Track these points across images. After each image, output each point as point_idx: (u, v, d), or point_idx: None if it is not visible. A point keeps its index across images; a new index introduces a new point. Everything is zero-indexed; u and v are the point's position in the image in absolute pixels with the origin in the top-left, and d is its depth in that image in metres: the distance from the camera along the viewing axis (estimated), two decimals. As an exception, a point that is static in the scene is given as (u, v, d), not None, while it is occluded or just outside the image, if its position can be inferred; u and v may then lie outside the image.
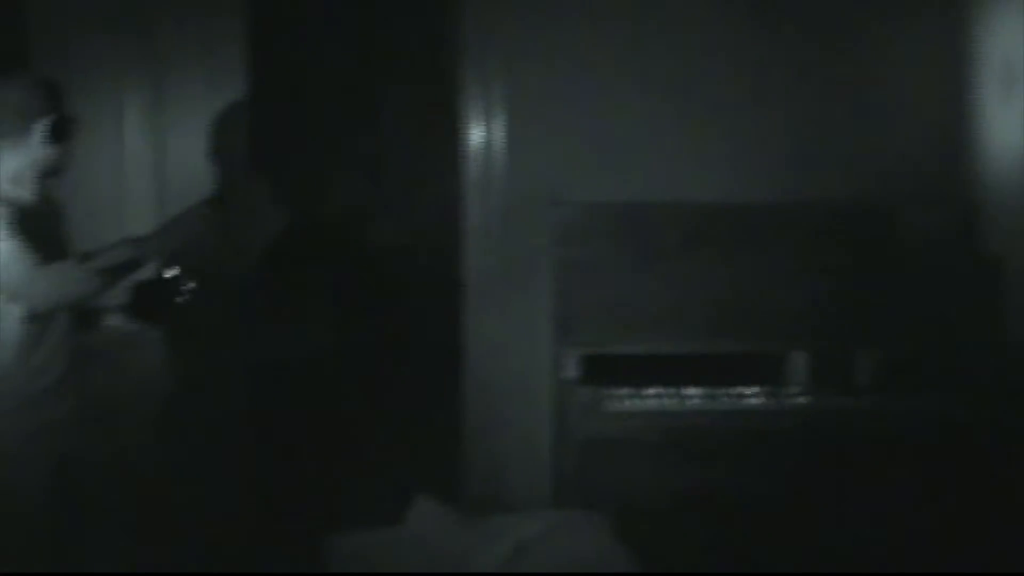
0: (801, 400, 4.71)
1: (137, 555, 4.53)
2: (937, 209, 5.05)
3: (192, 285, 3.68)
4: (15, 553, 3.64)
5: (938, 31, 5.08)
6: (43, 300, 3.46)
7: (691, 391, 4.68)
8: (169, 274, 3.77)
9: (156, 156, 5.01)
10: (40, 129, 3.55)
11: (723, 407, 4.63)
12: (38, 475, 3.63)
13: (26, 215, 3.54)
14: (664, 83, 5.01)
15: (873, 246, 4.92)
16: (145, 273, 3.88)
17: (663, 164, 5.00)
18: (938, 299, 4.85)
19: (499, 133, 5.03)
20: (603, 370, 4.71)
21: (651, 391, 4.66)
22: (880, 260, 4.89)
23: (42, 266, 3.43)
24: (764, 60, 5.04)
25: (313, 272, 7.75)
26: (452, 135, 5.28)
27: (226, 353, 5.14)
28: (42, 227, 3.63)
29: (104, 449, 3.96)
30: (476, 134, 5.07)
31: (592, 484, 4.57)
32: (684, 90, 5.01)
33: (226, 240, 3.48)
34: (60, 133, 3.59)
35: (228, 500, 5.18)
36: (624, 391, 4.64)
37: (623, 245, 4.81)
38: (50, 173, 3.67)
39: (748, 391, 4.71)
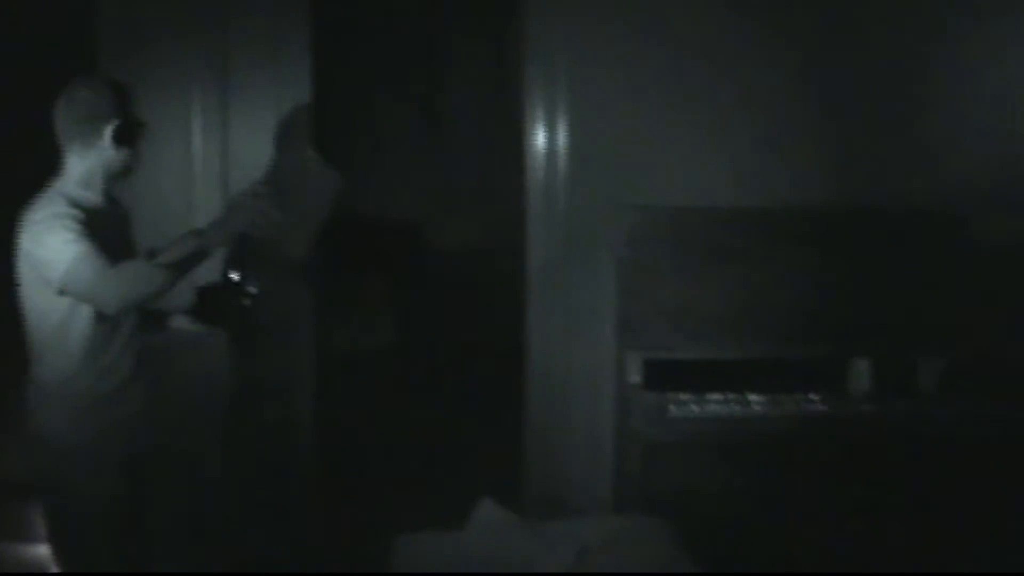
0: (865, 407, 4.67)
1: (202, 551, 4.56)
2: (1004, 215, 4.99)
3: (256, 289, 3.69)
4: (83, 548, 3.68)
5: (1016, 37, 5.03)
6: (114, 301, 3.46)
7: (754, 397, 4.66)
8: (234, 277, 3.78)
9: (223, 158, 5.04)
10: (109, 132, 3.56)
11: (786, 413, 4.61)
12: (107, 471, 3.66)
13: (95, 217, 3.56)
14: (728, 87, 4.99)
15: (938, 252, 4.87)
16: (210, 276, 3.91)
17: (727, 168, 4.98)
18: (1002, 305, 4.80)
19: (563, 136, 5.02)
20: (666, 375, 4.70)
21: (714, 396, 4.65)
22: (945, 266, 4.84)
23: (111, 267, 3.44)
24: (829, 66, 5.01)
25: (376, 272, 7.80)
26: (516, 138, 5.28)
27: (289, 349, 5.17)
28: (110, 229, 3.65)
29: (170, 447, 3.97)
30: (540, 137, 5.06)
31: (654, 488, 4.57)
32: (749, 94, 4.99)
33: (285, 225, 3.46)
34: (129, 135, 3.60)
35: (291, 498, 5.21)
36: (687, 396, 4.63)
37: (687, 249, 4.79)
38: (118, 175, 3.67)
39: (812, 397, 4.68)
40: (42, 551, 5.00)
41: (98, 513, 3.66)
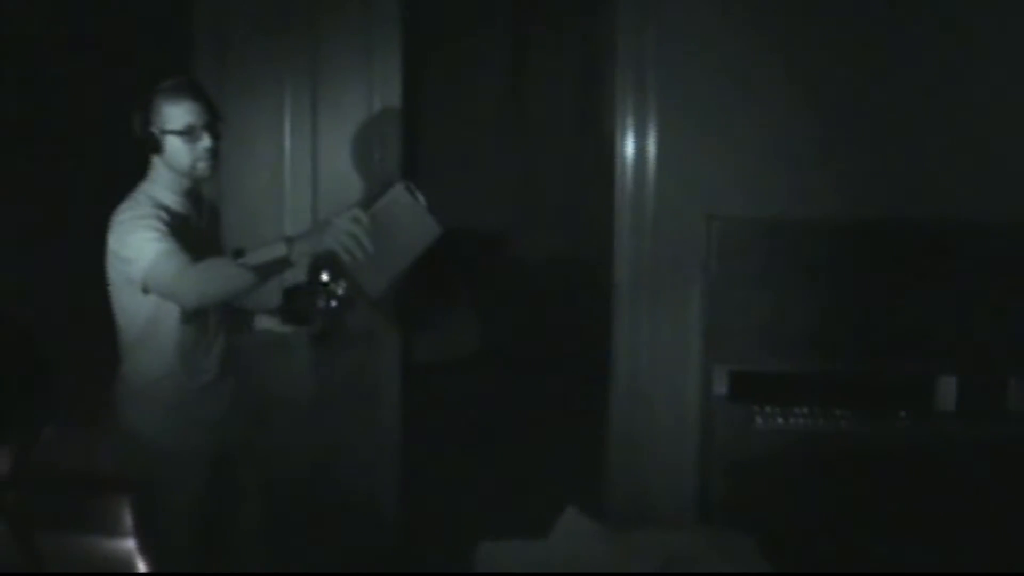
0: (952, 425, 4.61)
1: (285, 552, 4.59)
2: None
3: (344, 291, 3.69)
4: (170, 544, 3.71)
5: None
6: (194, 296, 3.47)
7: (840, 412, 4.62)
8: (323, 278, 3.79)
9: (313, 159, 5.08)
10: (192, 133, 3.56)
11: (872, 429, 4.56)
12: (194, 470, 3.70)
13: (180, 219, 3.60)
14: (819, 98, 4.94)
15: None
16: (298, 277, 3.92)
17: (818, 179, 4.93)
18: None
19: (652, 146, 4.99)
20: (752, 387, 4.67)
21: (800, 410, 4.61)
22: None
23: (194, 264, 3.44)
24: (927, 75, 4.93)
25: (464, 281, 7.83)
26: (605, 147, 5.26)
27: (374, 354, 5.20)
28: (196, 231, 3.69)
29: (256, 447, 4.01)
30: (629, 146, 5.02)
31: (738, 500, 4.54)
32: (840, 104, 4.94)
33: (373, 260, 3.44)
34: (211, 136, 3.61)
35: (374, 504, 5.24)
36: (773, 409, 4.60)
37: (775, 262, 4.75)
38: (202, 177, 3.67)
39: (899, 414, 4.62)
40: (129, 546, 5.08)
41: (184, 511, 3.70)
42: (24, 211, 5.42)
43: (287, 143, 5.07)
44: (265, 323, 4.11)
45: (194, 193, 3.73)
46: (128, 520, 5.09)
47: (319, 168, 5.09)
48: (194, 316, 3.63)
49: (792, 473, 4.55)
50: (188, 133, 3.56)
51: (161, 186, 3.63)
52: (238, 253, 3.43)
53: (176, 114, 3.56)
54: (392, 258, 3.61)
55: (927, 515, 4.54)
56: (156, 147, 3.57)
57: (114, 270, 3.57)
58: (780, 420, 4.54)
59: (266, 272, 3.44)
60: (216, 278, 3.45)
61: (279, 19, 5.05)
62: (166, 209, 3.57)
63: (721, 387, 4.68)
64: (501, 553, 3.89)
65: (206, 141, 3.59)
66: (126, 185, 3.65)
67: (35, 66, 5.31)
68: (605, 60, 5.38)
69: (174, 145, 3.56)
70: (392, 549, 5.24)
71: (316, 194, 5.08)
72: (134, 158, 3.65)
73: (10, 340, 5.04)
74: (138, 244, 3.45)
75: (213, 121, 3.63)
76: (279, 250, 3.42)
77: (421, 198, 3.70)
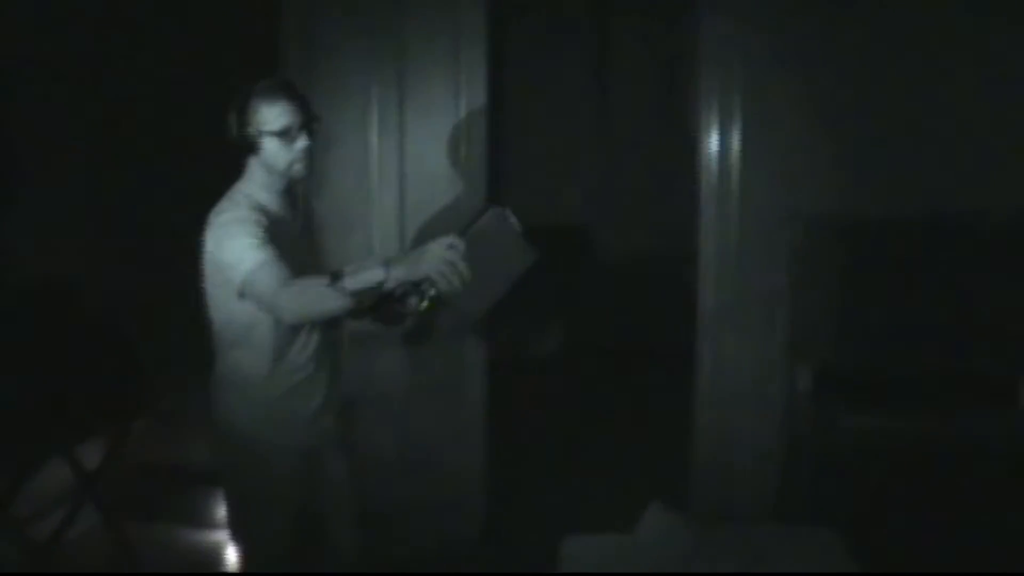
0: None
1: (374, 545, 4.65)
2: None
3: (435, 291, 3.70)
4: (263, 538, 3.77)
5: None
6: (290, 315, 3.50)
7: (923, 409, 4.60)
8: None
9: (400, 157, 5.14)
10: (288, 134, 3.57)
11: (957, 427, 4.54)
12: (289, 464, 3.75)
13: (276, 220, 3.61)
14: (904, 96, 4.92)
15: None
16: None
17: (901, 178, 4.90)
18: None
19: (736, 143, 5.00)
20: (836, 384, 4.66)
21: (883, 407, 4.60)
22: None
23: (292, 281, 3.45)
24: (1007, 73, 4.90)
25: (547, 276, 7.87)
26: (689, 144, 5.26)
27: (462, 353, 5.25)
28: (292, 230, 3.72)
29: (347, 441, 4.05)
30: (714, 144, 5.03)
31: (822, 497, 4.54)
32: (926, 103, 4.90)
33: (469, 285, 3.44)
34: (307, 136, 3.61)
35: (463, 497, 5.31)
36: (857, 406, 4.60)
37: (859, 259, 4.74)
38: (297, 176, 3.67)
39: (981, 411, 4.60)
40: (219, 537, 5.17)
41: (277, 504, 3.74)
42: (119, 209, 5.53)
43: (374, 142, 5.13)
44: (358, 320, 4.13)
45: (290, 192, 3.76)
46: (218, 512, 5.21)
47: (406, 166, 5.14)
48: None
49: (875, 470, 4.54)
50: (285, 134, 3.57)
51: (258, 186, 3.64)
52: (335, 276, 3.42)
53: (273, 115, 3.56)
54: (487, 283, 3.59)
55: (1011, 513, 4.52)
56: (253, 148, 3.59)
57: (212, 270, 3.59)
58: (863, 417, 4.54)
59: (362, 297, 3.45)
60: (313, 302, 3.46)
61: (366, 20, 5.11)
62: (263, 210, 3.58)
63: (805, 384, 4.68)
64: (587, 547, 3.92)
65: (302, 141, 3.60)
66: (217, 181, 3.68)
67: (129, 73, 5.42)
68: (690, 58, 5.37)
69: (271, 146, 3.58)
70: (478, 542, 5.30)
71: (403, 192, 5.13)
72: (224, 156, 3.67)
73: (102, 335, 5.16)
74: (238, 250, 3.46)
75: (309, 121, 3.63)
76: (376, 276, 3.41)
77: (516, 223, 3.69)
